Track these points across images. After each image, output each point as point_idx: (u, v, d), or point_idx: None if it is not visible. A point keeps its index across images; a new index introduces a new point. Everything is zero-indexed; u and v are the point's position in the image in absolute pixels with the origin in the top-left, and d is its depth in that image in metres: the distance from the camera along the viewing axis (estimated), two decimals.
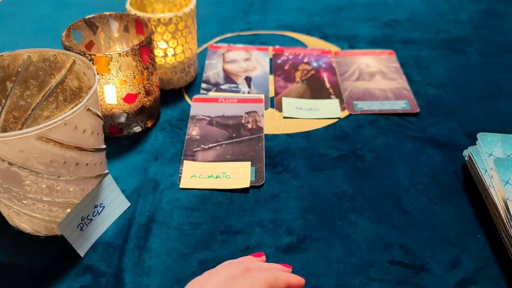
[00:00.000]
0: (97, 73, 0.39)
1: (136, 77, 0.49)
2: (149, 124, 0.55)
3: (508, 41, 0.73)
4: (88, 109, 0.35)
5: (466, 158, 0.48)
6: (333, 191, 0.47)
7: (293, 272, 0.39)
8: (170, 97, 0.60)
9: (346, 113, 0.58)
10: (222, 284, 0.30)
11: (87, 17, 0.51)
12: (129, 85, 0.49)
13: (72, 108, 0.42)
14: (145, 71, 0.49)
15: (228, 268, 0.31)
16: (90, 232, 0.41)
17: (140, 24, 0.52)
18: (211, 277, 0.31)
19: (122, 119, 0.51)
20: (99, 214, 0.42)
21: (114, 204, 0.43)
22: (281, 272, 0.32)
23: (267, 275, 0.31)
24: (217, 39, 0.73)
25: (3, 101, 0.42)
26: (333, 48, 0.71)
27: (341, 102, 0.59)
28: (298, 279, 0.33)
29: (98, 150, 0.39)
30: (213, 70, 0.65)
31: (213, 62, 0.67)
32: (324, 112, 0.57)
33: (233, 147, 0.51)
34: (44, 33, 0.74)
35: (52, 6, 0.82)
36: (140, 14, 0.53)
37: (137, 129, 0.53)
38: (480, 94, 0.61)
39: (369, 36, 0.74)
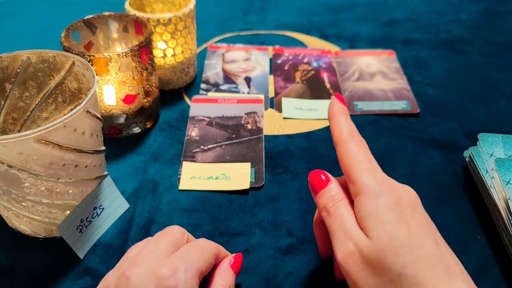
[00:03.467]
0: (96, 74, 0.39)
1: (135, 78, 0.49)
2: (149, 125, 0.55)
3: (508, 41, 0.73)
4: (88, 111, 0.35)
5: (467, 159, 0.48)
6: None
7: (292, 273, 0.39)
8: (169, 97, 0.60)
9: None
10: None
11: (86, 17, 0.51)
12: (128, 86, 0.49)
13: (72, 109, 0.42)
14: (145, 71, 0.49)
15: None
16: (90, 234, 0.41)
17: (139, 25, 0.52)
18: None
19: (121, 120, 0.51)
20: (99, 215, 0.41)
21: (114, 205, 0.43)
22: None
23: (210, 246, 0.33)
24: (217, 39, 0.73)
25: (2, 102, 0.42)
26: (333, 48, 0.71)
27: None
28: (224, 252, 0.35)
29: (98, 152, 0.39)
30: (213, 70, 0.65)
31: (213, 62, 0.66)
32: (324, 112, 0.57)
33: (233, 148, 0.51)
34: (43, 34, 0.74)
35: (51, 7, 0.82)
36: (139, 14, 0.53)
37: (137, 130, 0.53)
38: (481, 94, 0.61)
39: (369, 36, 0.74)
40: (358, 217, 0.30)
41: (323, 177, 0.33)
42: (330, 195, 0.32)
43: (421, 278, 0.27)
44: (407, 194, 0.30)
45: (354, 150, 0.31)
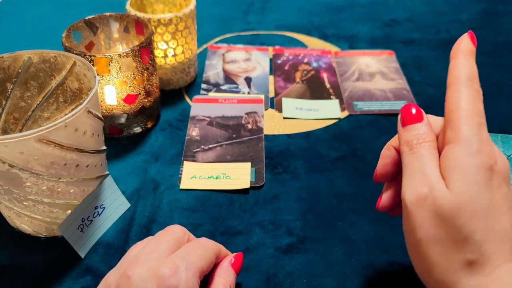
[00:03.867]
0: (97, 74, 0.39)
1: (136, 78, 0.49)
2: (149, 124, 0.55)
3: (508, 41, 0.73)
4: (89, 111, 0.36)
5: None
6: (333, 192, 0.47)
7: (293, 272, 0.39)
8: (170, 97, 0.60)
9: (346, 113, 0.58)
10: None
11: (87, 17, 0.51)
12: (129, 86, 0.49)
13: (73, 109, 0.42)
14: (145, 72, 0.49)
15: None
16: (91, 233, 0.41)
17: (140, 25, 0.52)
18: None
19: (122, 120, 0.51)
20: (100, 215, 0.42)
21: (115, 205, 0.43)
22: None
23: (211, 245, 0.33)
24: (217, 39, 0.73)
25: (4, 102, 0.42)
26: (333, 48, 0.71)
27: (341, 103, 0.59)
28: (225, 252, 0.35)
29: (99, 151, 0.39)
30: (213, 70, 0.65)
31: (213, 62, 0.67)
32: (324, 112, 0.57)
33: (233, 147, 0.51)
34: (44, 34, 0.74)
35: (51, 7, 0.82)
36: (140, 14, 0.53)
37: (137, 129, 0.53)
38: None
39: (369, 36, 0.74)
40: (443, 165, 0.28)
41: (415, 112, 0.30)
42: (418, 132, 0.29)
43: (486, 249, 0.26)
44: (503, 163, 0.28)
45: (467, 98, 0.28)
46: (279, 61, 0.67)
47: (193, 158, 0.50)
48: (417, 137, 0.29)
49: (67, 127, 0.34)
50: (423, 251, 0.27)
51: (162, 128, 0.55)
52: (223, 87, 0.62)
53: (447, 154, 0.28)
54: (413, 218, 0.27)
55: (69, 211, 0.39)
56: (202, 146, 0.51)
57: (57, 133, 0.33)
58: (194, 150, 0.51)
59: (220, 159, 0.50)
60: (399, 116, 0.31)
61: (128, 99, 0.50)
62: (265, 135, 0.54)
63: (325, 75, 0.64)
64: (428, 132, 0.29)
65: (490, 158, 0.27)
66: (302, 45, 0.72)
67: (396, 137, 0.33)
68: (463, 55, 0.30)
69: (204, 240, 0.33)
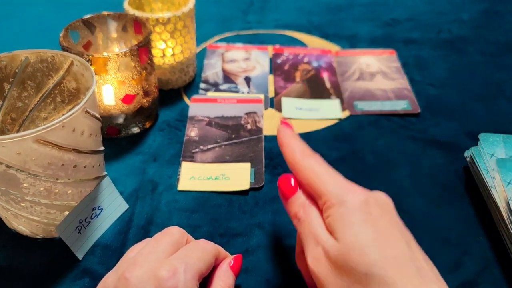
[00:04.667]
0: (95, 74, 0.39)
1: (135, 77, 0.48)
2: (148, 125, 0.54)
3: (509, 41, 0.73)
4: (86, 111, 0.35)
5: (468, 159, 0.48)
6: None
7: (292, 274, 0.38)
8: (168, 97, 0.59)
9: (346, 113, 0.57)
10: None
11: (85, 17, 0.51)
12: (128, 86, 0.48)
13: (70, 109, 0.41)
14: (144, 71, 0.49)
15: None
16: (88, 234, 0.40)
17: (138, 24, 0.52)
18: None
19: (120, 120, 0.51)
20: (97, 216, 0.41)
21: (113, 206, 0.43)
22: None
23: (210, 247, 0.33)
24: (216, 38, 0.73)
25: (0, 102, 0.41)
26: (333, 47, 0.71)
27: (342, 103, 0.59)
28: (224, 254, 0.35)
29: (96, 152, 0.39)
30: (212, 70, 0.65)
31: (212, 62, 0.66)
32: (325, 112, 0.57)
33: (233, 148, 0.51)
34: (42, 33, 0.73)
35: (50, 7, 0.82)
36: (138, 14, 0.53)
37: (136, 130, 0.53)
38: (482, 94, 0.61)
39: (370, 35, 0.74)
40: (327, 224, 0.30)
41: (293, 183, 0.33)
42: (300, 201, 0.32)
43: (389, 278, 0.26)
44: (376, 196, 0.30)
45: (311, 167, 0.31)
46: (279, 61, 0.67)
47: (191, 159, 0.50)
48: (302, 206, 0.31)
49: (65, 128, 0.33)
50: None
51: (160, 128, 0.55)
52: (222, 87, 0.61)
53: (325, 215, 0.30)
54: (318, 277, 0.28)
55: (67, 212, 0.39)
56: (201, 147, 0.51)
57: (55, 134, 0.33)
58: (193, 151, 0.51)
59: (219, 160, 0.49)
60: (280, 192, 0.33)
61: (126, 99, 0.49)
62: (264, 135, 0.53)
63: (325, 75, 0.64)
64: (306, 199, 0.32)
65: (359, 196, 0.29)
66: (302, 44, 0.72)
67: (297, 246, 0.35)
68: (288, 139, 0.33)
69: (203, 242, 0.33)
